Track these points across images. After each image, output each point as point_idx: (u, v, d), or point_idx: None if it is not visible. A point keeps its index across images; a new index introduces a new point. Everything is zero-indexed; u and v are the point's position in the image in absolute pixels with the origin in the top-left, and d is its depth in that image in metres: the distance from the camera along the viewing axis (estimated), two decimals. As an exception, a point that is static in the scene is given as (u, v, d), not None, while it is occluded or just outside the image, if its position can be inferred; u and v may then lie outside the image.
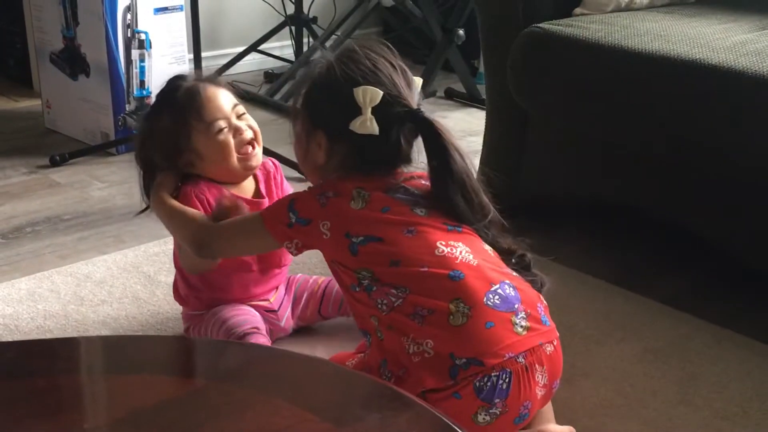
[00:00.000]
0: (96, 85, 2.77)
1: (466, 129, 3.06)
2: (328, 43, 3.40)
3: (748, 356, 1.74)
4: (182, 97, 1.64)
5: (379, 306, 1.34)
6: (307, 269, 1.93)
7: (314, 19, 3.58)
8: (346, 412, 0.96)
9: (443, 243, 1.36)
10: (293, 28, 3.62)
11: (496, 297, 1.32)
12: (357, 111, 1.35)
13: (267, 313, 1.72)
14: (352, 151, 1.40)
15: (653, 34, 2.00)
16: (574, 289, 1.94)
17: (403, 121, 1.37)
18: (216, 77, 1.72)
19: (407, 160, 1.43)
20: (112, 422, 0.98)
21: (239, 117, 1.67)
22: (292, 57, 3.68)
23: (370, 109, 1.34)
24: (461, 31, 3.20)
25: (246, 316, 1.66)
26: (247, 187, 1.72)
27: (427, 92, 3.27)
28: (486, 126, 2.36)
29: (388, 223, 1.37)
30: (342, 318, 1.78)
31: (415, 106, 1.38)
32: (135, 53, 2.75)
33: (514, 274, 1.40)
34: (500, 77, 2.19)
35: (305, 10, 3.57)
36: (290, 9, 3.59)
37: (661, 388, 1.64)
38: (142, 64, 2.77)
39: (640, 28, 2.05)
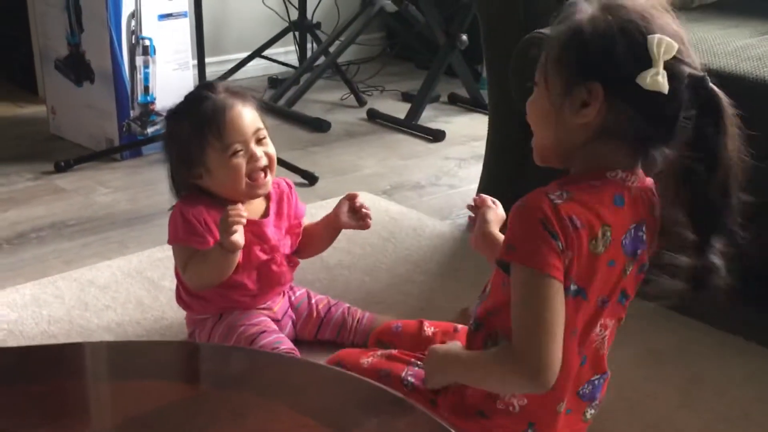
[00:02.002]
0: (100, 92, 2.78)
1: (469, 134, 3.07)
2: (331, 49, 3.41)
3: (749, 359, 1.74)
4: (207, 111, 1.61)
5: None
6: (308, 282, 1.94)
7: (318, 25, 3.59)
8: (345, 417, 0.96)
9: (602, 323, 1.24)
10: (297, 33, 3.64)
11: (590, 387, 1.29)
12: (646, 63, 1.13)
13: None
14: (630, 113, 1.16)
15: (654, 39, 2.01)
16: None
17: (690, 85, 1.15)
18: (246, 93, 1.68)
19: (674, 137, 1.18)
20: (112, 428, 0.98)
21: (259, 141, 1.65)
22: (296, 62, 3.69)
23: (662, 63, 1.12)
24: (464, 37, 3.21)
25: (277, 334, 1.67)
26: (257, 205, 1.71)
27: (430, 97, 3.29)
28: (489, 131, 2.37)
29: (601, 283, 1.19)
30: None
31: (701, 72, 1.16)
32: (139, 59, 2.76)
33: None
34: (502, 83, 2.20)
35: (309, 15, 3.59)
36: (294, 15, 3.61)
37: (663, 391, 1.64)
38: (146, 70, 2.78)
39: (642, 33, 2.05)
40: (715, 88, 1.15)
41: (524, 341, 1.15)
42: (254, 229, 1.66)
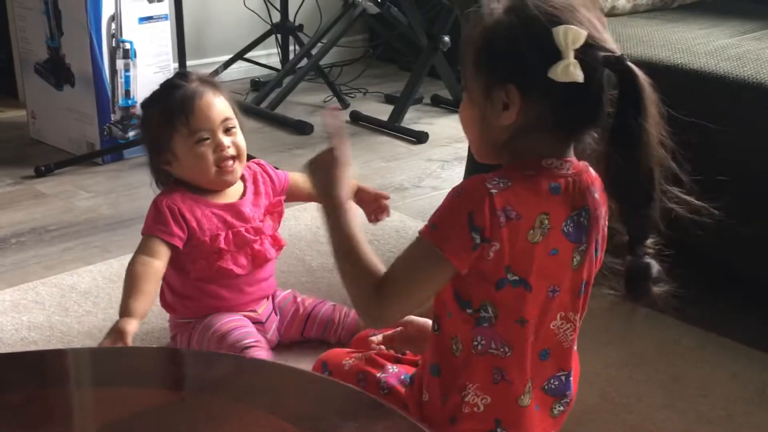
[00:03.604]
0: (81, 95, 2.76)
1: (452, 136, 3.07)
2: (314, 51, 3.41)
3: (732, 360, 1.75)
4: (177, 98, 1.65)
5: (475, 342, 1.22)
6: (291, 285, 1.94)
7: (300, 27, 3.58)
8: (323, 421, 0.96)
9: (562, 315, 1.24)
10: (279, 36, 3.63)
11: (555, 382, 1.28)
12: (555, 56, 1.12)
13: (254, 324, 1.72)
14: (549, 107, 1.16)
15: (636, 40, 2.01)
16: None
17: (605, 68, 1.14)
18: (219, 84, 1.72)
19: (601, 119, 1.17)
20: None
21: (227, 131, 1.67)
22: (278, 65, 3.68)
23: (572, 52, 1.11)
24: (446, 38, 3.21)
25: (246, 329, 1.67)
26: (233, 188, 1.72)
27: (413, 99, 3.28)
28: (471, 132, 2.37)
29: (545, 274, 1.19)
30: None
31: (617, 52, 1.14)
32: (120, 63, 2.75)
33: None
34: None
35: (291, 18, 3.58)
36: (276, 17, 3.60)
37: (646, 392, 1.65)
38: (127, 73, 2.77)
39: (623, 34, 2.06)
40: (633, 66, 1.12)
41: (389, 287, 1.19)
42: (232, 211, 1.68)
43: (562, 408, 1.30)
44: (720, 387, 1.66)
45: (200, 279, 1.68)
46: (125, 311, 1.55)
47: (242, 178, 1.74)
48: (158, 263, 1.61)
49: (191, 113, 1.63)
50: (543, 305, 1.22)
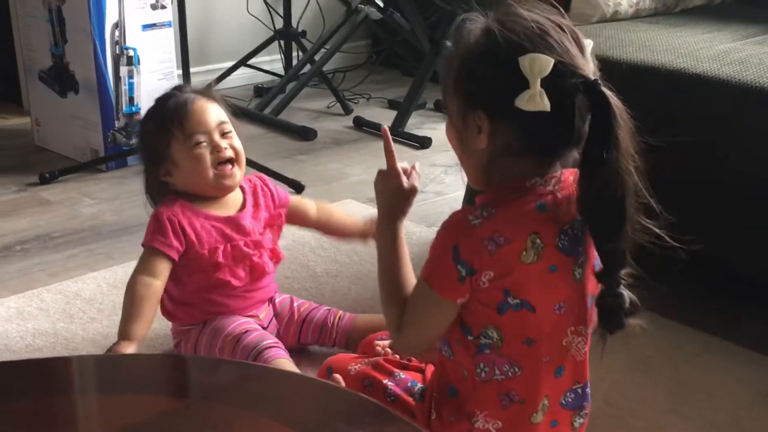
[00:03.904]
0: (85, 102, 2.77)
1: (455, 140, 3.06)
2: (317, 57, 3.41)
3: (736, 364, 1.74)
4: (171, 106, 1.67)
5: (478, 370, 1.21)
6: (295, 291, 1.93)
7: (303, 33, 3.59)
8: (329, 428, 0.96)
9: (572, 330, 1.22)
10: (282, 42, 3.64)
11: (572, 396, 1.27)
12: (523, 84, 1.11)
13: (257, 329, 1.72)
14: (519, 133, 1.15)
15: (638, 44, 2.01)
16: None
17: (576, 94, 1.12)
18: (211, 92, 1.74)
19: (581, 139, 1.15)
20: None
21: (223, 135, 1.68)
22: (281, 71, 3.69)
23: (539, 81, 1.10)
24: (449, 43, 3.21)
25: (260, 331, 1.67)
26: (232, 200, 1.73)
27: (416, 104, 3.29)
28: (474, 137, 2.37)
29: (548, 292, 1.18)
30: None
31: (592, 76, 1.13)
32: (123, 70, 2.75)
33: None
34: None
35: (294, 24, 3.59)
36: (279, 23, 3.61)
37: (651, 397, 1.64)
38: (130, 80, 2.77)
39: (625, 39, 2.06)
40: (606, 92, 1.11)
41: (405, 322, 1.23)
42: (232, 224, 1.69)
43: (582, 419, 1.30)
44: (725, 391, 1.66)
45: (198, 289, 1.68)
46: (125, 334, 1.57)
47: (242, 190, 1.74)
48: (158, 284, 1.62)
49: (185, 118, 1.65)
50: (552, 323, 1.20)
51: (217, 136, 1.66)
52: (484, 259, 1.14)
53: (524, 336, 1.19)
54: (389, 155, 1.32)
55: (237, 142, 1.69)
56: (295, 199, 1.83)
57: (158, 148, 1.66)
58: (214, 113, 1.68)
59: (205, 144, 1.65)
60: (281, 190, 1.81)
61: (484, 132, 1.16)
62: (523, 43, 1.12)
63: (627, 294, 1.16)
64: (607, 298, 1.16)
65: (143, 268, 1.63)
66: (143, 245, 1.66)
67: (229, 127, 1.69)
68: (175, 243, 1.63)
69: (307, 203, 1.84)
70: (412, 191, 1.31)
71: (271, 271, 1.74)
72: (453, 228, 1.18)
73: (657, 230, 1.16)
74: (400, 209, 1.31)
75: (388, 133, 1.34)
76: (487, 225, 1.14)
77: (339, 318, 1.76)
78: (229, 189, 1.70)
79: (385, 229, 1.31)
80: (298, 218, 1.82)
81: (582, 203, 1.15)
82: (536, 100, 1.10)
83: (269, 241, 1.73)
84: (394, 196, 1.31)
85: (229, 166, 1.67)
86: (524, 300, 1.17)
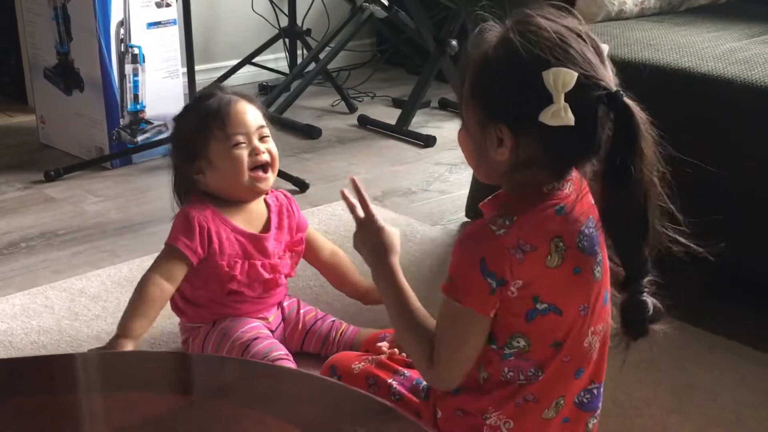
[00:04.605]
0: (90, 100, 2.77)
1: (460, 139, 3.06)
2: (322, 55, 3.41)
3: (741, 363, 1.74)
4: (213, 104, 1.67)
5: (503, 374, 1.21)
6: (299, 289, 1.93)
7: (308, 31, 3.59)
8: (333, 426, 0.96)
9: (593, 330, 1.22)
10: (287, 40, 3.64)
11: (588, 396, 1.27)
12: (547, 98, 1.09)
13: (266, 333, 1.72)
14: (542, 147, 1.14)
15: (643, 44, 2.01)
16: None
17: (599, 105, 1.10)
18: (251, 97, 1.74)
19: (600, 147, 1.13)
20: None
21: (261, 139, 1.68)
22: (286, 69, 3.69)
23: (563, 96, 1.08)
24: (454, 42, 3.21)
25: (270, 339, 1.67)
26: (257, 214, 1.72)
27: (421, 103, 3.29)
28: (479, 136, 2.37)
29: (573, 294, 1.18)
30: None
31: (613, 87, 1.12)
32: (128, 68, 2.76)
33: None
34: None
35: (299, 22, 3.58)
36: (284, 21, 3.61)
37: (655, 396, 1.64)
38: (135, 78, 2.78)
39: (630, 38, 2.06)
40: (629, 103, 1.10)
41: (437, 356, 1.20)
42: (256, 243, 1.68)
43: (595, 420, 1.30)
44: (729, 391, 1.66)
45: (211, 293, 1.69)
46: (125, 330, 1.58)
47: (267, 206, 1.74)
48: (171, 288, 1.63)
49: (228, 117, 1.65)
50: (577, 325, 1.20)
51: (256, 139, 1.67)
52: (514, 268, 1.14)
53: (551, 339, 1.19)
54: (364, 205, 1.33)
55: (273, 148, 1.70)
56: (313, 231, 1.83)
57: (195, 145, 1.66)
58: (254, 116, 1.68)
59: (244, 145, 1.65)
60: (302, 214, 1.81)
61: (506, 146, 1.15)
62: (547, 56, 1.10)
63: (651, 301, 1.16)
64: (630, 306, 1.16)
65: (161, 268, 1.63)
66: (167, 243, 1.65)
67: (267, 131, 1.70)
68: (199, 249, 1.63)
69: (323, 241, 1.85)
70: (392, 233, 1.32)
71: (283, 283, 1.75)
72: (476, 241, 1.16)
73: (681, 238, 1.16)
74: (391, 249, 1.31)
75: (357, 182, 1.35)
76: (511, 234, 1.14)
77: (342, 332, 1.76)
78: (261, 193, 1.71)
79: (381, 269, 1.30)
80: (309, 251, 1.82)
81: (605, 215, 1.14)
82: (561, 115, 1.09)
83: (286, 266, 1.74)
84: (377, 241, 1.31)
85: (262, 171, 1.67)
86: (551, 304, 1.17)
